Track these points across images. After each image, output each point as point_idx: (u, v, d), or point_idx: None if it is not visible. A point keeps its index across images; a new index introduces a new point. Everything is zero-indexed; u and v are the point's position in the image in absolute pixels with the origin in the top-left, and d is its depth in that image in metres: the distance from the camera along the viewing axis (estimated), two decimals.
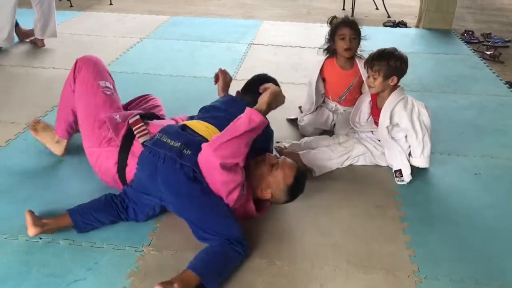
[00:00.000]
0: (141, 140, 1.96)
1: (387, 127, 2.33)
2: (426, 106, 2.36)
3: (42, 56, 3.90)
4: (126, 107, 2.46)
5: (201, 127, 2.02)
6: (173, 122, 2.16)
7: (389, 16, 5.55)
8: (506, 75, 3.82)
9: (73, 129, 2.33)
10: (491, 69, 3.90)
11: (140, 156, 1.93)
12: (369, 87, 2.37)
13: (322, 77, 2.73)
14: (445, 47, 4.47)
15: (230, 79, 2.46)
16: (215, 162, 1.74)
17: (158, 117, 2.28)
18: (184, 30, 4.73)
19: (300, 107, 2.92)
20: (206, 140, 1.91)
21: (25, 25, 4.14)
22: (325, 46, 2.69)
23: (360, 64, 2.61)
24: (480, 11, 6.06)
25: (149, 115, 2.23)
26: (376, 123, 2.41)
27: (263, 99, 1.89)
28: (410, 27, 5.18)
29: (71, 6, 5.62)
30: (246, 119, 1.79)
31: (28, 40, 4.15)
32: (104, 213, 1.91)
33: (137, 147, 1.96)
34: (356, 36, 2.56)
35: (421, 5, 5.18)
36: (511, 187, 2.33)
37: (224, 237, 1.77)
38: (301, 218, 2.06)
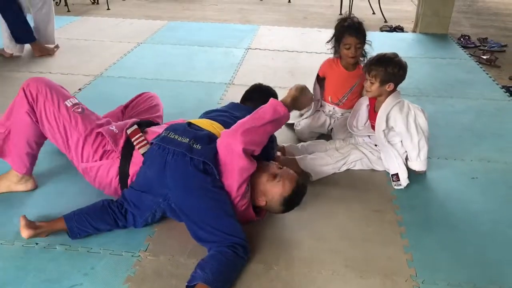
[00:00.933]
0: (141, 151, 1.94)
1: (384, 130, 2.34)
2: (422, 109, 2.36)
3: (40, 61, 3.90)
4: (126, 107, 2.46)
5: (206, 123, 2.03)
6: None
7: (386, 21, 5.57)
8: (502, 79, 3.83)
9: (35, 159, 2.14)
10: (487, 74, 3.91)
11: (147, 152, 1.92)
12: (366, 91, 2.38)
13: (321, 75, 2.74)
14: (442, 51, 4.49)
15: None
16: (239, 146, 1.76)
17: (155, 123, 2.25)
18: (181, 35, 4.74)
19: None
20: (214, 135, 1.93)
21: None
22: (331, 44, 2.67)
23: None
24: (477, 16, 6.09)
25: (147, 123, 2.18)
26: (373, 127, 2.41)
27: (290, 92, 2.04)
28: (406, 32, 5.20)
29: (68, 11, 5.62)
30: (271, 108, 1.87)
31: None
32: (100, 221, 1.89)
33: (137, 158, 1.94)
34: (362, 43, 2.56)
35: (418, 10, 5.20)
36: (508, 191, 2.33)
37: (225, 238, 1.75)
38: (299, 222, 2.05)
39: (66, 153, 2.05)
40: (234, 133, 1.80)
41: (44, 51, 4.01)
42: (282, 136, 2.75)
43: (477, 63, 4.17)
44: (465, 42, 4.78)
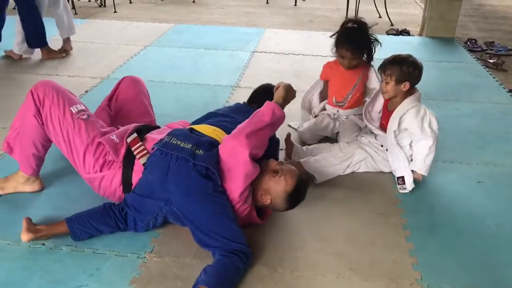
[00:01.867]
0: (142, 161, 1.94)
1: (394, 131, 2.33)
2: (436, 116, 2.35)
3: (48, 64, 3.93)
4: (110, 99, 2.43)
5: (208, 129, 2.03)
6: (169, 130, 2.12)
7: (392, 24, 5.57)
8: (509, 83, 3.82)
9: (41, 161, 2.16)
10: (494, 77, 3.90)
11: (150, 157, 1.93)
12: (382, 92, 2.39)
13: (324, 79, 2.78)
14: (448, 55, 4.48)
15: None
16: (245, 151, 1.78)
17: (154, 127, 2.23)
18: (187, 38, 4.76)
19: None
20: (216, 141, 1.93)
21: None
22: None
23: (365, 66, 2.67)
24: (483, 19, 6.07)
25: (146, 128, 2.15)
26: (383, 126, 2.40)
27: (279, 94, 2.03)
28: (413, 35, 5.20)
29: (75, 13, 5.66)
30: (270, 112, 1.89)
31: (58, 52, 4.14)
32: (102, 223, 1.89)
33: (139, 166, 1.95)
34: (356, 55, 2.57)
35: (424, 13, 5.19)
36: None
37: (227, 244, 1.76)
38: (303, 225, 2.06)
39: (69, 159, 2.05)
40: (238, 137, 1.81)
41: (52, 54, 4.04)
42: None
43: (484, 67, 4.16)
44: (471, 45, 4.76)
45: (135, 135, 2.03)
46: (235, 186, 1.82)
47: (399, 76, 2.30)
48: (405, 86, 2.31)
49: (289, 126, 2.88)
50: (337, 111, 2.75)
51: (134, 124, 2.15)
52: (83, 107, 2.08)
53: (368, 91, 2.74)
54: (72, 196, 2.18)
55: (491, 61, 4.27)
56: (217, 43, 4.60)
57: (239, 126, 1.87)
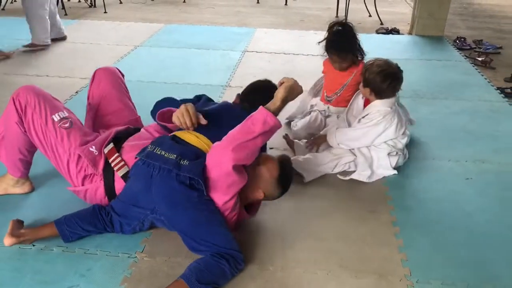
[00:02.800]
0: (120, 173, 1.92)
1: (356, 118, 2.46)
2: (396, 128, 2.40)
3: (37, 64, 3.91)
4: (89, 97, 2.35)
5: (192, 138, 1.95)
6: (147, 135, 2.09)
7: (382, 23, 5.60)
8: (497, 81, 3.86)
9: (29, 164, 2.14)
10: (482, 75, 3.94)
11: (133, 166, 1.90)
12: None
13: (324, 73, 2.83)
14: (438, 53, 4.51)
15: None
16: (229, 164, 1.72)
17: (134, 130, 2.17)
18: (178, 37, 4.76)
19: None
20: (200, 150, 1.89)
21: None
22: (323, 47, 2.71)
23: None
24: (472, 18, 6.12)
25: (126, 134, 2.10)
26: None
27: (278, 95, 1.86)
28: (402, 34, 5.23)
29: (65, 14, 5.64)
30: (261, 121, 1.76)
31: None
32: (90, 225, 1.88)
33: (119, 177, 1.93)
34: (343, 58, 2.62)
35: (414, 12, 5.23)
36: (502, 192, 2.35)
37: (217, 250, 1.74)
38: (294, 223, 2.07)
39: (55, 167, 2.03)
40: (225, 150, 1.74)
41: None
42: (279, 137, 2.78)
43: (473, 65, 4.20)
44: (460, 44, 4.80)
45: (111, 145, 1.99)
46: (219, 195, 1.80)
47: (364, 80, 2.39)
48: (368, 91, 2.38)
49: (287, 123, 2.91)
50: (328, 107, 2.77)
51: (115, 130, 2.09)
52: (66, 114, 2.02)
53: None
54: (62, 197, 2.16)
55: (479, 59, 4.31)
56: (208, 42, 4.60)
57: (230, 134, 1.79)
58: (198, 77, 3.70)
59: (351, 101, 2.61)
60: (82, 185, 1.98)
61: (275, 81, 3.43)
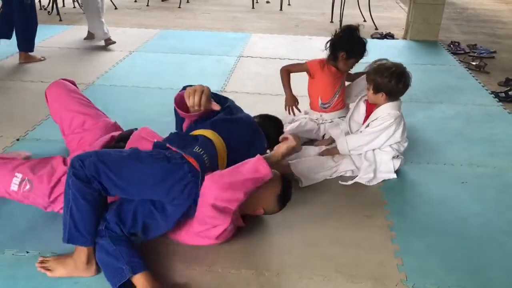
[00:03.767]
0: None
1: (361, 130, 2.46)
2: (403, 130, 2.41)
3: (31, 70, 3.90)
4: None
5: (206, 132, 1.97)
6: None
7: (376, 28, 5.62)
8: (491, 85, 3.87)
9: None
10: (477, 79, 3.95)
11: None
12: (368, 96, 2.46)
13: (311, 73, 2.77)
14: (432, 58, 4.53)
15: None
16: (209, 200, 1.70)
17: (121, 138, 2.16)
18: (173, 43, 4.76)
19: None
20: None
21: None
22: (329, 49, 2.69)
23: None
24: (466, 22, 6.15)
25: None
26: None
27: (280, 151, 1.95)
28: (397, 39, 5.25)
29: (60, 20, 5.63)
30: (253, 167, 1.75)
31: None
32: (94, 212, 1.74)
33: None
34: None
35: (408, 17, 5.25)
36: (498, 196, 2.35)
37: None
38: (289, 228, 2.06)
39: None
40: (211, 185, 1.71)
41: (30, 58, 4.06)
42: None
43: (467, 69, 4.22)
44: (454, 48, 4.83)
45: None
46: (196, 224, 1.81)
47: (375, 86, 2.36)
48: (382, 96, 2.35)
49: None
50: (320, 115, 2.77)
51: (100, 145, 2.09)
52: (21, 177, 1.93)
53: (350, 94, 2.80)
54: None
55: (473, 63, 4.33)
56: (203, 48, 4.60)
57: (223, 171, 1.77)
58: (193, 82, 3.60)
59: (353, 106, 2.61)
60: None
61: (271, 86, 3.44)
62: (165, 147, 1.85)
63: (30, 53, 4.06)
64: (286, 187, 1.93)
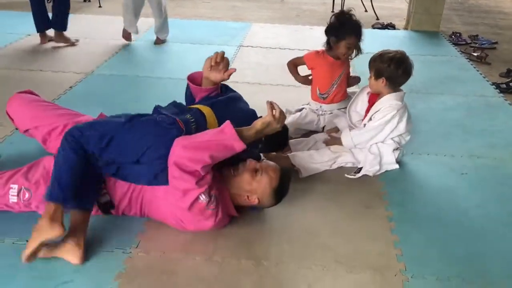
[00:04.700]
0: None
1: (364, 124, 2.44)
2: (407, 121, 2.39)
3: (30, 59, 3.88)
4: None
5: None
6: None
7: (377, 18, 5.59)
8: (492, 76, 3.86)
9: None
10: (478, 70, 3.94)
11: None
12: (369, 86, 2.46)
13: (310, 68, 2.78)
14: (433, 48, 4.51)
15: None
16: (172, 157, 1.76)
17: None
18: (173, 32, 4.72)
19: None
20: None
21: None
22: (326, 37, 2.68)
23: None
24: (468, 13, 6.12)
25: None
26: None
27: (255, 126, 1.86)
28: (398, 29, 5.23)
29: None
30: (219, 129, 1.81)
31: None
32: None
33: None
34: (358, 43, 2.63)
35: (409, 7, 5.22)
36: (497, 187, 2.35)
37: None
38: (289, 218, 2.06)
39: None
40: (176, 144, 1.77)
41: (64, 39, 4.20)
42: None
43: (468, 60, 4.20)
44: (456, 39, 4.80)
45: None
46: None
47: (376, 72, 2.35)
48: (383, 81, 2.34)
49: None
50: (320, 106, 2.76)
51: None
52: (17, 189, 1.92)
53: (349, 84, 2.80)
54: None
55: (475, 54, 4.32)
56: (203, 37, 4.58)
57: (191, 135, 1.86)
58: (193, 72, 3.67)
59: (354, 96, 2.60)
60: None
61: (271, 76, 3.42)
62: (161, 112, 2.01)
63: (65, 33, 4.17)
64: (284, 181, 1.93)
